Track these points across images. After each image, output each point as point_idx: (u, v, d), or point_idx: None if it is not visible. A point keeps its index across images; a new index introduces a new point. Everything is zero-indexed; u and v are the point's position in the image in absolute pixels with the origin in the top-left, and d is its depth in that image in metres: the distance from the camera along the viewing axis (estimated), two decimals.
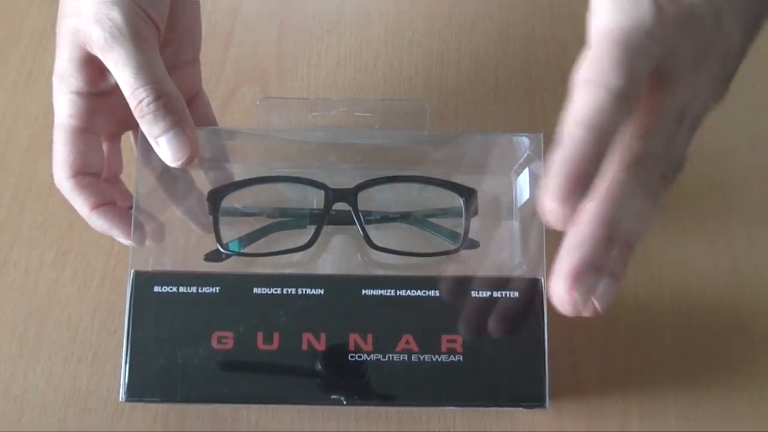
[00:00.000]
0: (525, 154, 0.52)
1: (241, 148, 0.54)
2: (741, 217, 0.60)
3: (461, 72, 0.67)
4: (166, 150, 0.47)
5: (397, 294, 0.49)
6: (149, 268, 0.50)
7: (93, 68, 0.48)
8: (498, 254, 0.52)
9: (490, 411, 0.52)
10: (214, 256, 0.51)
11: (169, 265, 0.51)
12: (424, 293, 0.49)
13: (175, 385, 0.47)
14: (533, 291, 0.49)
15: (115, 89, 0.48)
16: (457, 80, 0.66)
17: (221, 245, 0.51)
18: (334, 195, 0.51)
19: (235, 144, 0.54)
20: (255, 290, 0.49)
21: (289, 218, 0.54)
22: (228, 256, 0.51)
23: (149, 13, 0.48)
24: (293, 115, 0.58)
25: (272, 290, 0.49)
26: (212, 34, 0.67)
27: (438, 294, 0.49)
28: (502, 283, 0.49)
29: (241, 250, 0.52)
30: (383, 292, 0.49)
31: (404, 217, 0.54)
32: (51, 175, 0.59)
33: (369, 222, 0.52)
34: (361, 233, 0.51)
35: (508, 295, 0.49)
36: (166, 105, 0.47)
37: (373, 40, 0.68)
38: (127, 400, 0.47)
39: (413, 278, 0.50)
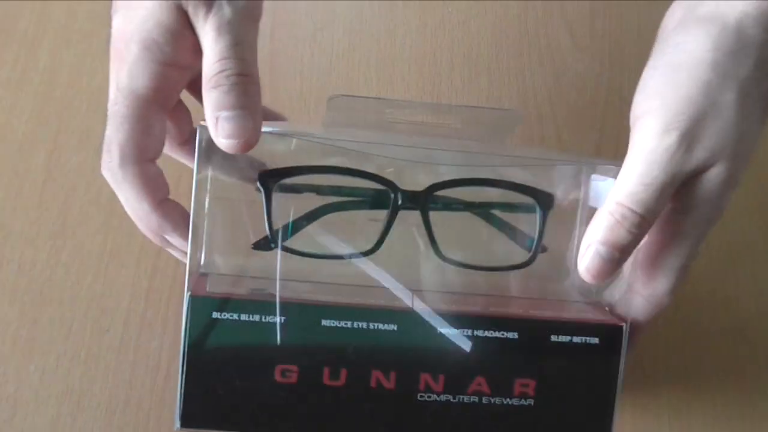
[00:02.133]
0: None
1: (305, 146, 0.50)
2: (739, 215, 0.60)
3: (454, 70, 0.67)
4: (225, 126, 0.42)
5: (474, 334, 0.46)
6: (203, 270, 0.47)
7: (187, 39, 0.43)
8: (569, 261, 0.50)
9: None
10: (262, 245, 0.48)
11: (220, 263, 0.48)
12: (502, 335, 0.46)
13: (234, 415, 0.44)
14: (614, 339, 0.46)
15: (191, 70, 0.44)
16: (450, 78, 0.66)
17: (271, 234, 0.47)
18: (403, 197, 0.47)
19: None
20: (323, 322, 0.45)
21: (347, 198, 0.50)
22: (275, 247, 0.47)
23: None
24: (364, 114, 0.54)
25: (342, 323, 0.45)
26: None
27: (516, 336, 0.46)
28: (584, 328, 0.46)
29: (292, 235, 0.48)
30: (459, 331, 0.46)
31: (470, 206, 0.51)
32: (44, 172, 0.59)
33: (433, 209, 0.48)
34: (429, 245, 0.48)
35: (588, 342, 0.46)
36: (247, 84, 0.42)
37: (366, 38, 0.68)
38: (181, 427, 0.44)
39: (491, 318, 0.46)
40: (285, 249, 0.47)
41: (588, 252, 0.42)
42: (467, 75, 0.67)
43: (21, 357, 0.54)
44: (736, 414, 0.54)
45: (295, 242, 0.48)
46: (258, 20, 0.45)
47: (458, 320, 0.46)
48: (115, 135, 0.43)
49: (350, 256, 0.48)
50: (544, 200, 0.49)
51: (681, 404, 0.54)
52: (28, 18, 0.67)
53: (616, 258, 0.42)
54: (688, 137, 0.41)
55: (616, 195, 0.42)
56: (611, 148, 0.63)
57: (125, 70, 0.43)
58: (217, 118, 0.42)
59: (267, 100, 0.47)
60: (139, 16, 0.43)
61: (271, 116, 0.53)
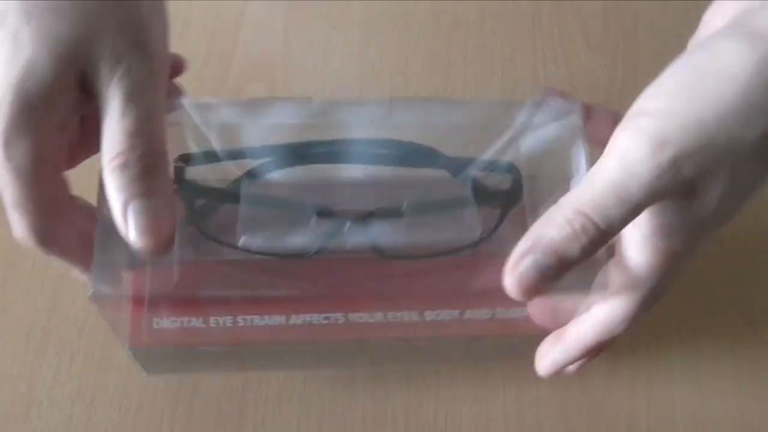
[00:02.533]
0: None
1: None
2: (750, 209, 0.60)
3: (468, 68, 0.67)
4: (138, 221, 0.36)
5: None
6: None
7: (76, 95, 0.37)
8: None
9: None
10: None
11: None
12: None
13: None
14: None
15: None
16: (464, 78, 0.66)
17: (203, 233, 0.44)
18: (345, 225, 0.43)
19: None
20: None
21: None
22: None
23: (165, 41, 0.40)
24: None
25: None
26: (219, 32, 0.68)
27: None
28: None
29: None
30: None
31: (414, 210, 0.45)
32: None
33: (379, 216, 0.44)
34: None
35: None
36: (158, 164, 0.37)
37: (380, 36, 0.68)
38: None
39: None
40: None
41: (524, 262, 0.34)
42: (480, 73, 0.66)
43: (34, 355, 0.54)
44: (750, 410, 0.54)
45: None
46: (167, 73, 0.41)
47: None
48: (18, 217, 0.37)
49: (283, 255, 0.44)
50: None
51: (694, 405, 0.54)
52: None
53: (553, 276, 0.34)
54: (682, 161, 0.33)
55: (579, 201, 0.34)
56: None
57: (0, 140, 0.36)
58: (125, 208, 0.36)
59: None
60: (19, 64, 0.35)
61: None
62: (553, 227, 0.34)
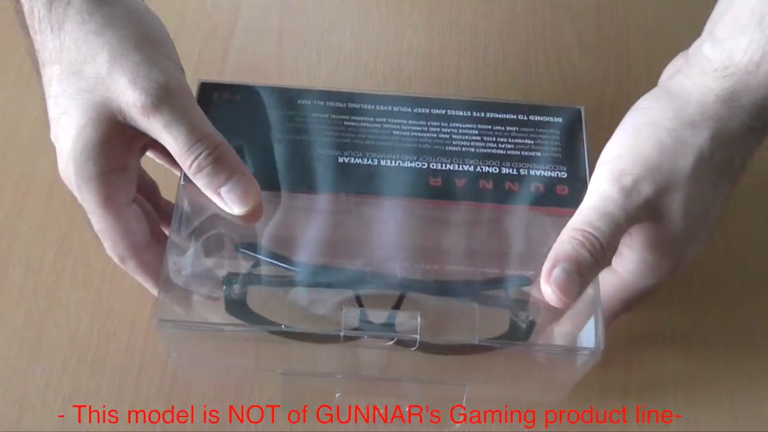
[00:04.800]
0: None
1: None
2: (741, 214, 0.60)
3: (461, 72, 0.67)
4: (231, 198, 0.45)
5: None
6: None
7: (122, 141, 0.46)
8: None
9: None
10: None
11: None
12: None
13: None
14: None
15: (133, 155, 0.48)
16: (458, 81, 0.66)
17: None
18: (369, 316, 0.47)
19: None
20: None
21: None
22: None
23: (180, 65, 0.48)
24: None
25: None
26: (212, 35, 0.67)
27: None
28: None
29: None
30: None
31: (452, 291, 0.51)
32: (51, 176, 0.59)
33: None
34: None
35: None
36: (224, 155, 0.46)
37: (374, 40, 0.68)
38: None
39: None
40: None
41: (554, 272, 0.44)
42: (474, 76, 0.66)
43: (28, 359, 0.54)
44: (743, 414, 0.54)
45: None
46: (183, 74, 0.48)
47: None
48: (106, 242, 0.48)
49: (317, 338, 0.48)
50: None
51: (687, 406, 0.54)
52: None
53: (577, 278, 0.44)
54: (641, 183, 0.45)
55: (574, 223, 0.46)
56: None
57: (75, 191, 0.46)
58: (220, 196, 0.46)
59: None
60: (73, 131, 0.45)
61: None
62: (564, 244, 0.45)
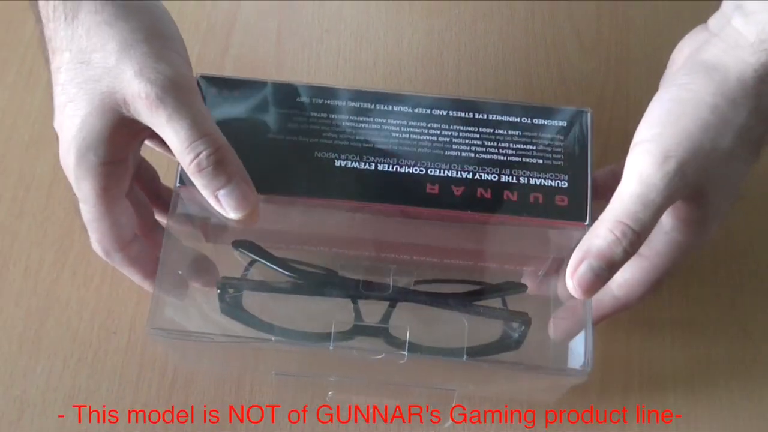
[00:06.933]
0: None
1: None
2: (741, 213, 0.60)
3: (461, 73, 0.67)
4: (229, 202, 0.45)
5: None
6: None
7: (125, 133, 0.46)
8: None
9: None
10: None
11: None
12: None
13: None
14: None
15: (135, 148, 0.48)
16: (457, 81, 0.66)
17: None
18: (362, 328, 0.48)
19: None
20: None
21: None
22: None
23: (188, 61, 0.47)
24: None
25: None
26: (212, 35, 0.67)
27: None
28: None
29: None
30: None
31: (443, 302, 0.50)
32: (51, 176, 0.59)
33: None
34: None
35: None
36: (225, 157, 0.45)
37: (373, 40, 0.68)
38: None
39: None
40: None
41: (581, 267, 0.43)
42: (474, 76, 0.66)
43: (28, 359, 0.54)
44: (743, 413, 0.54)
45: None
46: (191, 70, 0.47)
47: None
48: (92, 233, 0.48)
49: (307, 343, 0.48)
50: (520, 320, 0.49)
51: (687, 405, 0.54)
52: (35, 22, 0.67)
53: (605, 275, 0.43)
54: (685, 167, 0.43)
55: (615, 214, 0.43)
56: (618, 150, 0.62)
57: (72, 179, 0.46)
58: (217, 198, 0.45)
59: None
60: (77, 120, 0.45)
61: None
62: (599, 237, 0.43)
